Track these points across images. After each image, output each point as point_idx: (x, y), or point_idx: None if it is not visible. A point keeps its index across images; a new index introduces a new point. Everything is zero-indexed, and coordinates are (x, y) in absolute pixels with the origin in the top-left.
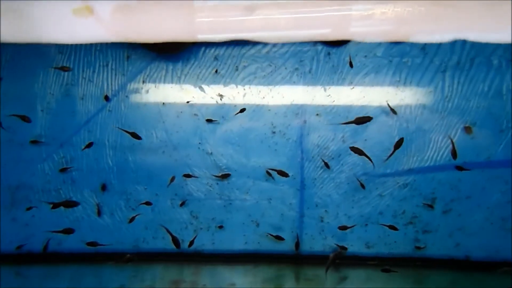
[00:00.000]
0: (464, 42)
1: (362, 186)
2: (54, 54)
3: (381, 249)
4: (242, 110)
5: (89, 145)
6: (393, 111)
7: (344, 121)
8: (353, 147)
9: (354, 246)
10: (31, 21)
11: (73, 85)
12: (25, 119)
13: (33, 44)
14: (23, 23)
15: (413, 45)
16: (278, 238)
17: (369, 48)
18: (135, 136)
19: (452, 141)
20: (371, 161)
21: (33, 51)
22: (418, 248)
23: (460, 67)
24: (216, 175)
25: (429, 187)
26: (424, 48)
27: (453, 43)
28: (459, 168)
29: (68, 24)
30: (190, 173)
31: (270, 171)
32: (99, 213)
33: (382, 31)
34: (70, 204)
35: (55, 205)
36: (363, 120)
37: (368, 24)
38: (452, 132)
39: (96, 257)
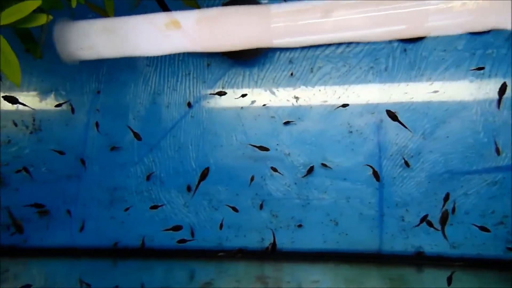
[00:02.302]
0: None
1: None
2: (143, 66)
3: (468, 250)
4: (345, 105)
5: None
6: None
7: (424, 119)
8: (388, 111)
9: (439, 246)
10: (124, 36)
11: (159, 94)
12: (137, 136)
13: (124, 58)
14: (117, 39)
15: (497, 35)
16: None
17: (449, 42)
18: (264, 148)
19: None
20: (410, 130)
21: (125, 64)
22: (511, 250)
23: None
24: (295, 175)
25: None
26: (510, 38)
27: None
28: None
29: (157, 38)
30: (276, 168)
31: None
32: (192, 234)
33: (462, 23)
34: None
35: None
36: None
37: (446, 18)
38: None
39: (185, 253)
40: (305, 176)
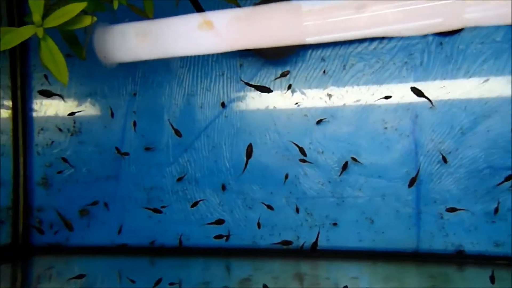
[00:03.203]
0: None
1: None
2: (176, 68)
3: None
4: (387, 97)
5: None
6: None
7: (462, 114)
8: (413, 87)
9: (481, 244)
10: (160, 38)
11: (193, 95)
12: (177, 133)
13: (159, 60)
14: (154, 40)
15: None
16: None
17: (486, 34)
18: (303, 152)
19: None
20: (431, 102)
21: (159, 66)
22: None
23: None
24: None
25: None
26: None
27: None
28: None
29: (190, 38)
30: (355, 157)
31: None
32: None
33: (500, 14)
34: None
35: None
36: None
37: (484, 9)
38: None
39: (221, 251)
40: (340, 174)
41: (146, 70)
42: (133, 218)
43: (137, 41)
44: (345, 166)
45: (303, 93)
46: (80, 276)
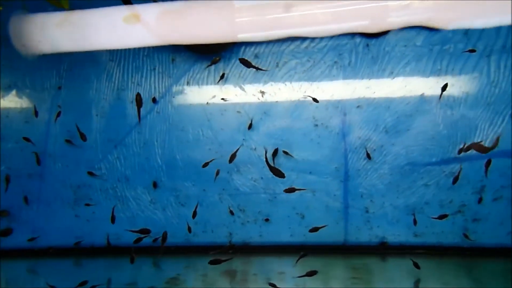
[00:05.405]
0: (509, 25)
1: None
2: (106, 61)
3: (429, 238)
4: (315, 100)
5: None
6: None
7: (386, 113)
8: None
9: (401, 235)
10: (85, 30)
11: (123, 89)
12: (83, 137)
13: (87, 53)
14: (78, 32)
15: (455, 31)
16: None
17: (409, 37)
18: (279, 174)
19: None
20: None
21: (87, 59)
22: (467, 237)
23: (506, 51)
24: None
25: (478, 175)
26: (467, 33)
27: (498, 27)
28: None
29: (118, 31)
30: (288, 151)
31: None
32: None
33: (422, 19)
34: None
35: None
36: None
37: (407, 13)
38: (500, 118)
39: (152, 250)
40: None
41: (72, 62)
42: (59, 218)
43: (59, 31)
44: (275, 153)
45: (237, 89)
46: None
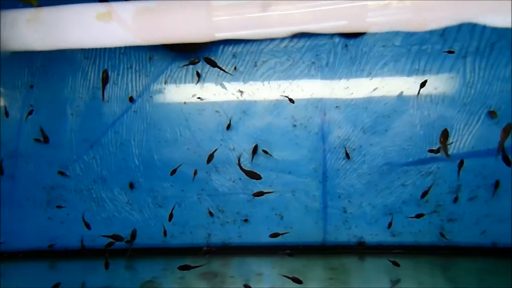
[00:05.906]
0: (483, 27)
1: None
2: (81, 59)
3: (406, 238)
4: (291, 101)
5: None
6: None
7: (364, 113)
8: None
9: (379, 235)
10: (57, 27)
11: (99, 88)
12: (45, 139)
13: (60, 51)
14: (50, 30)
15: (432, 32)
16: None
17: (387, 38)
18: (255, 176)
19: None
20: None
21: (61, 57)
22: (444, 236)
23: (480, 53)
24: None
25: (453, 175)
26: (443, 34)
27: (472, 28)
28: None
29: (92, 29)
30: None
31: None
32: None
33: (400, 20)
34: None
35: None
36: None
37: (385, 14)
38: (475, 118)
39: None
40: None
41: (45, 60)
42: (31, 220)
43: (28, 29)
44: (254, 150)
45: (215, 88)
46: None
